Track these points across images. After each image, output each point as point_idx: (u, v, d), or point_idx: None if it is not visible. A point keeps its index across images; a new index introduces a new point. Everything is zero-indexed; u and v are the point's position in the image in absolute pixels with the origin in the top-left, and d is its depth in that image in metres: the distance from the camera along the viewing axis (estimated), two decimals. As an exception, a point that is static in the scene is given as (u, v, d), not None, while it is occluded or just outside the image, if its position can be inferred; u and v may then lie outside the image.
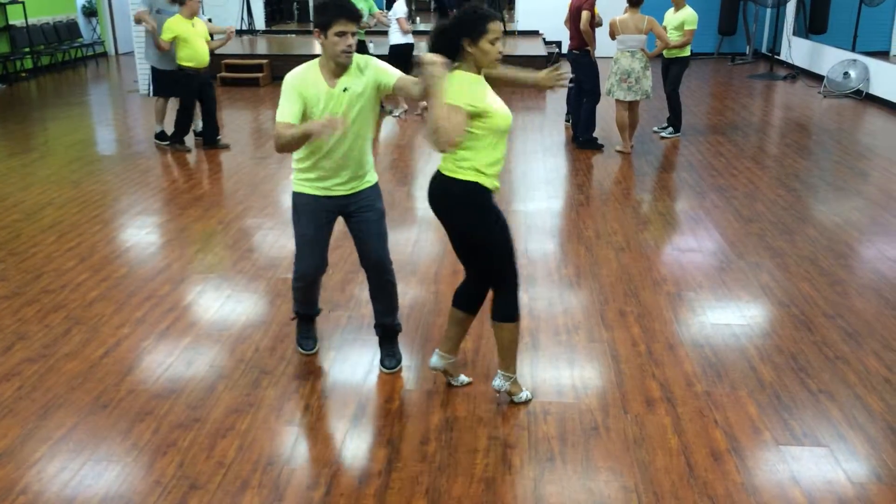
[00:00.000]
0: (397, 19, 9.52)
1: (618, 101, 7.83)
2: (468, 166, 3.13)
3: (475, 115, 3.05)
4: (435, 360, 3.58)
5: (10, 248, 5.39)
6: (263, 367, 3.81)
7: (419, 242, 5.45)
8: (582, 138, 8.16)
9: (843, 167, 7.41)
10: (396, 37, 9.60)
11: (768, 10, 14.21)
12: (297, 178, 3.51)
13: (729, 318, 4.32)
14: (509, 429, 3.30)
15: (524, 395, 3.51)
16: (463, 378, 3.64)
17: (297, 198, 3.53)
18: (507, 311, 3.33)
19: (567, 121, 9.24)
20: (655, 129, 8.89)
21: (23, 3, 13.25)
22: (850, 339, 4.08)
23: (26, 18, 13.44)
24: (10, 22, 13.15)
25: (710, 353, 3.94)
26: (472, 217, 3.19)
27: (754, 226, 5.78)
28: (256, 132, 9.13)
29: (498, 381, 3.46)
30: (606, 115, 9.40)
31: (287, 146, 3.20)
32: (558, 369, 3.78)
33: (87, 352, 3.96)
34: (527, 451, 3.16)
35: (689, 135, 8.70)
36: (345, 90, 3.29)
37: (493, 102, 3.11)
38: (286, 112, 3.21)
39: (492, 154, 3.14)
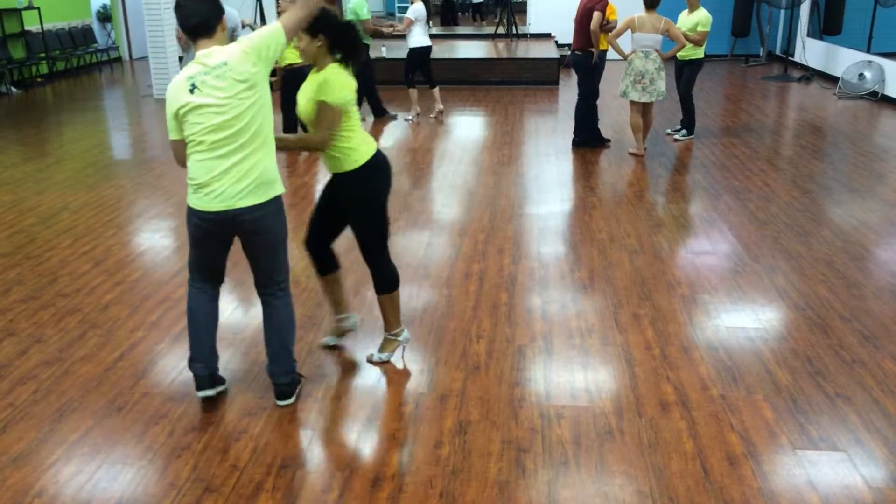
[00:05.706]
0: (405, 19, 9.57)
1: (632, 102, 7.80)
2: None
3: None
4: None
5: (26, 252, 5.43)
6: (277, 370, 3.81)
7: (431, 245, 5.45)
8: (577, 139, 8.19)
9: (858, 169, 7.36)
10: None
11: (782, 12, 14.14)
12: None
13: (744, 321, 4.29)
14: (523, 432, 3.29)
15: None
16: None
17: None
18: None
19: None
20: (669, 131, 8.85)
21: (38, 8, 13.37)
22: (867, 342, 4.05)
23: (42, 24, 13.56)
24: (26, 27, 13.26)
25: (725, 356, 3.92)
26: None
27: (769, 228, 5.74)
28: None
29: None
30: (620, 117, 9.38)
31: None
32: (572, 372, 3.77)
33: (102, 355, 3.98)
34: (541, 454, 3.15)
35: (703, 137, 8.66)
36: None
37: None
38: None
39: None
